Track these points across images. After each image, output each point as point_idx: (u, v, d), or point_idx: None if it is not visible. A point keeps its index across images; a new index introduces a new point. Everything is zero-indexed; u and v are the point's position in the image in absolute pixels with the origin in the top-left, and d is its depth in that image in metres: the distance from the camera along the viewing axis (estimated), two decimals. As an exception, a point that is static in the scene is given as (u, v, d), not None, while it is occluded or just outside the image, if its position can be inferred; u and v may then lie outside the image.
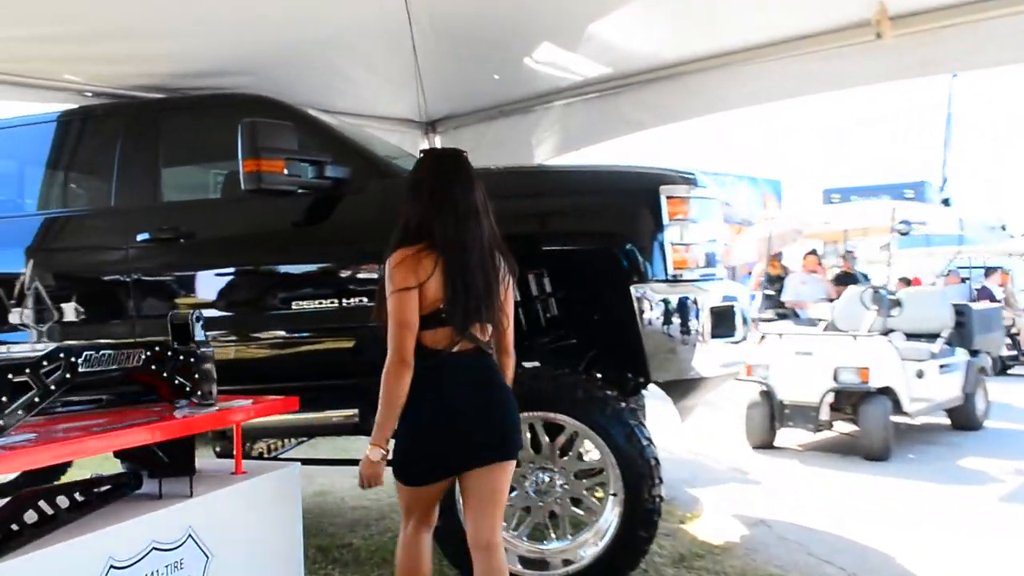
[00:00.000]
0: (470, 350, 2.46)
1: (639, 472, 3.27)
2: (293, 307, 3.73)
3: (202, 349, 2.29)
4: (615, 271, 3.48)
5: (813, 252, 10.62)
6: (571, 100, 5.64)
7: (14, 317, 4.01)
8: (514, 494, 3.55)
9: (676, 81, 4.95)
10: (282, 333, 3.79)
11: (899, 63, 4.23)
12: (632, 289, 3.43)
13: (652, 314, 3.41)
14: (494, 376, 2.50)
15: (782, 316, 9.11)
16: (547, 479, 3.49)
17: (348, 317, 3.69)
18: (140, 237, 3.89)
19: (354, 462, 4.10)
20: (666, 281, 3.47)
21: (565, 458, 3.49)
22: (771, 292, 9.68)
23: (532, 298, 3.89)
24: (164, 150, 4.10)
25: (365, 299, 3.65)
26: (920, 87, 20.96)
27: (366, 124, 6.38)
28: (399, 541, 2.57)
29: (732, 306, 3.61)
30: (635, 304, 3.42)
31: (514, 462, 2.54)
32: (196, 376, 2.29)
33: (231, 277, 3.90)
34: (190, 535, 2.04)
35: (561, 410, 3.35)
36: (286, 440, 4.59)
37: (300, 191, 3.60)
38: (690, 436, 7.06)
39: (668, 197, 3.49)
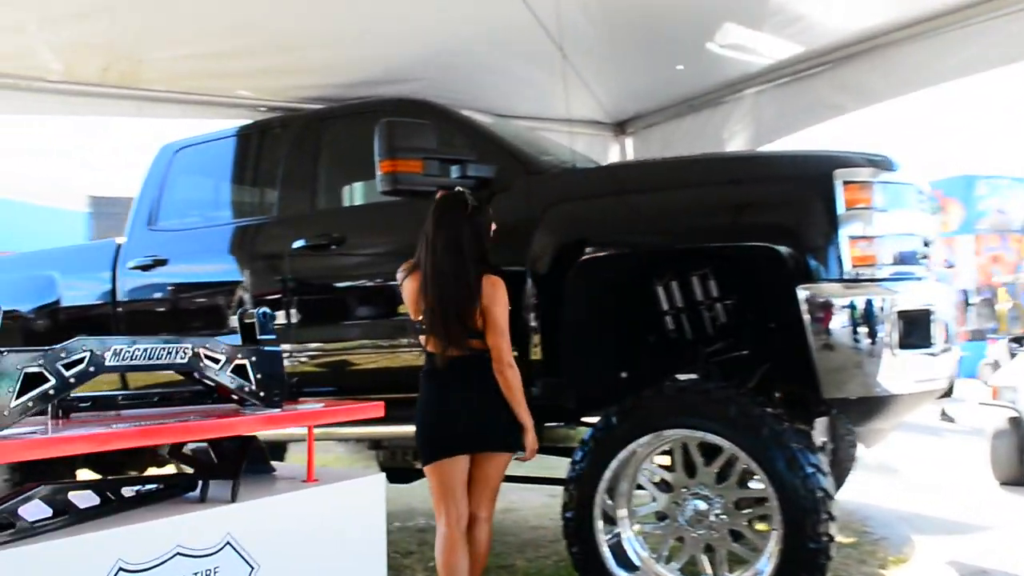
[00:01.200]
0: (462, 355, 2.92)
1: (801, 505, 2.75)
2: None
3: (266, 348, 2.20)
4: (781, 271, 2.99)
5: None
6: (762, 87, 5.11)
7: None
8: (665, 522, 3.17)
9: (877, 55, 4.27)
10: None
11: None
12: (798, 291, 2.93)
13: (822, 320, 2.88)
14: (482, 379, 2.92)
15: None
16: (702, 507, 3.07)
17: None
18: (296, 245, 3.97)
19: (548, 480, 3.97)
20: (842, 281, 2.92)
21: (723, 484, 3.04)
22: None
23: (696, 303, 3.47)
24: (323, 159, 4.17)
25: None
26: None
27: (553, 129, 6.23)
28: (437, 542, 2.95)
29: (928, 312, 2.97)
30: (801, 308, 2.92)
31: (503, 454, 3.01)
32: (258, 377, 2.20)
33: (377, 282, 3.87)
34: (228, 543, 1.93)
35: (710, 429, 2.92)
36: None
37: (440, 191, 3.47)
38: (927, 466, 6.16)
39: (845, 183, 2.94)
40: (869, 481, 5.71)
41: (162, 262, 4.49)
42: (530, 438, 3.00)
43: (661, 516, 3.22)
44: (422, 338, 3.00)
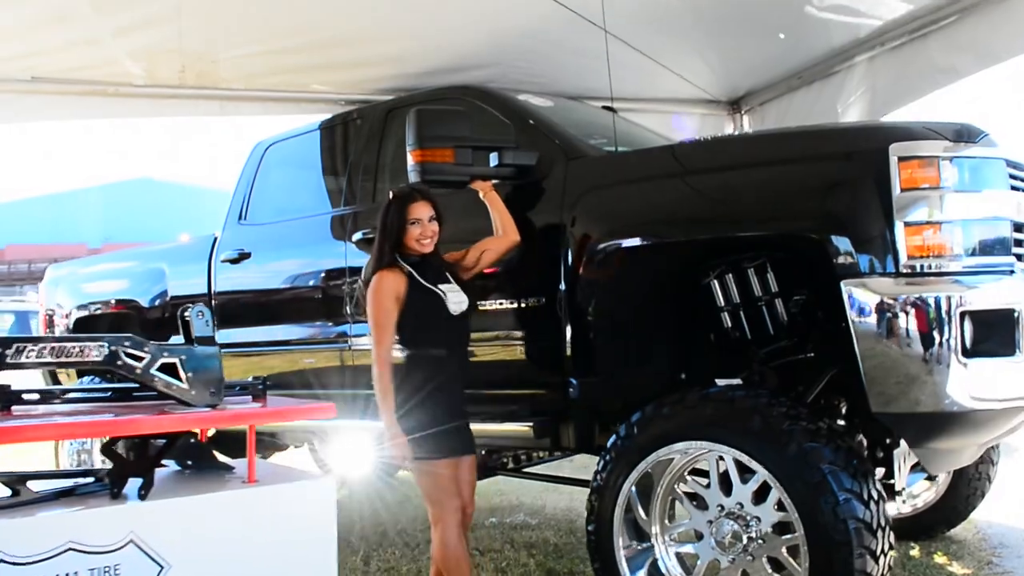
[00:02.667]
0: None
1: (828, 536, 2.37)
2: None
3: (200, 347, 2.14)
4: (826, 264, 2.60)
5: None
6: (874, 52, 4.53)
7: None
8: (700, 542, 2.85)
9: (997, 8, 3.63)
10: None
11: None
12: (842, 287, 2.52)
13: (868, 321, 2.47)
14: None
15: None
16: (737, 529, 2.73)
17: (521, 319, 3.32)
18: (356, 237, 3.96)
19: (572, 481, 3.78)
20: (897, 275, 2.48)
21: (761, 505, 2.69)
22: None
23: (754, 299, 3.10)
24: (386, 150, 4.12)
25: (541, 298, 3.26)
26: None
27: (659, 110, 5.90)
28: (435, 548, 2.97)
29: (1011, 312, 2.46)
30: (847, 307, 2.51)
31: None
32: (189, 375, 2.15)
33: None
34: (132, 541, 1.88)
35: (731, 442, 2.58)
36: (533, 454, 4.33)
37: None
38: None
39: (902, 159, 2.49)
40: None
41: (246, 255, 4.65)
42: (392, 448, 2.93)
43: (699, 535, 2.91)
44: None
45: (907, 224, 2.48)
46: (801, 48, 4.83)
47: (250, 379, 2.44)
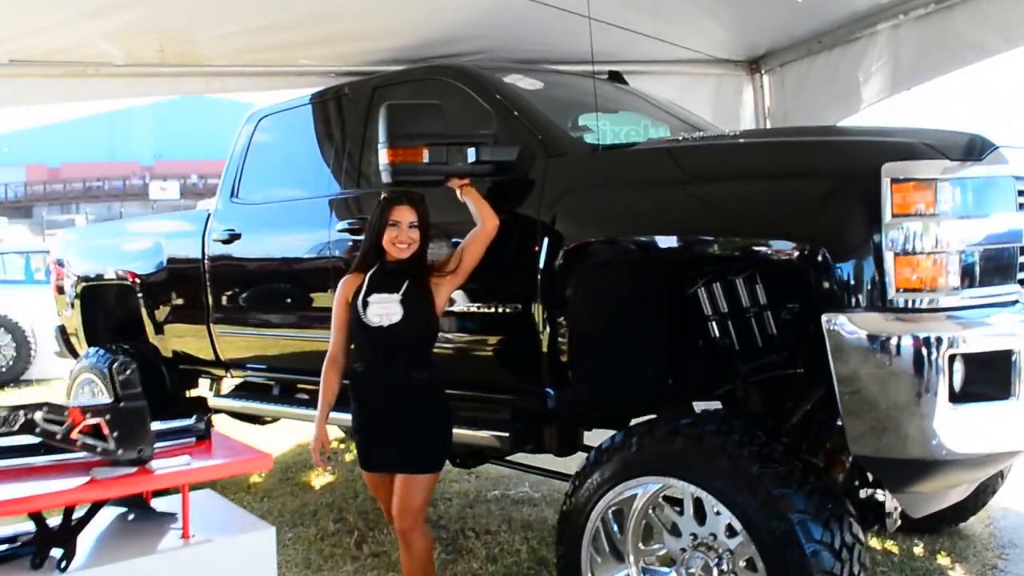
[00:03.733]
0: None
1: (792, 595, 2.23)
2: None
3: (127, 403, 2.03)
4: (808, 292, 2.40)
5: None
6: (897, 21, 4.19)
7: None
8: (668, 572, 2.73)
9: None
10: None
11: None
12: (823, 319, 2.33)
13: (849, 358, 2.28)
14: None
15: None
16: (708, 563, 2.60)
17: (498, 326, 3.18)
18: (338, 227, 3.82)
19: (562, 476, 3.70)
20: (883, 310, 2.28)
21: (735, 540, 2.55)
22: None
23: (742, 309, 2.91)
24: (374, 129, 3.93)
25: (517, 304, 3.10)
26: None
27: (677, 71, 5.59)
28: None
29: (1008, 353, 2.25)
30: (826, 340, 2.32)
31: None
32: (116, 435, 2.05)
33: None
34: None
35: (697, 482, 2.43)
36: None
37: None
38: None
39: (895, 181, 2.27)
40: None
41: (237, 236, 4.54)
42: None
43: (672, 561, 2.80)
44: None
45: (897, 254, 2.26)
46: (822, 10, 4.49)
47: (191, 420, 2.34)
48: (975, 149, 2.34)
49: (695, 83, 5.65)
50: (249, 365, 4.67)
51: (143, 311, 5.21)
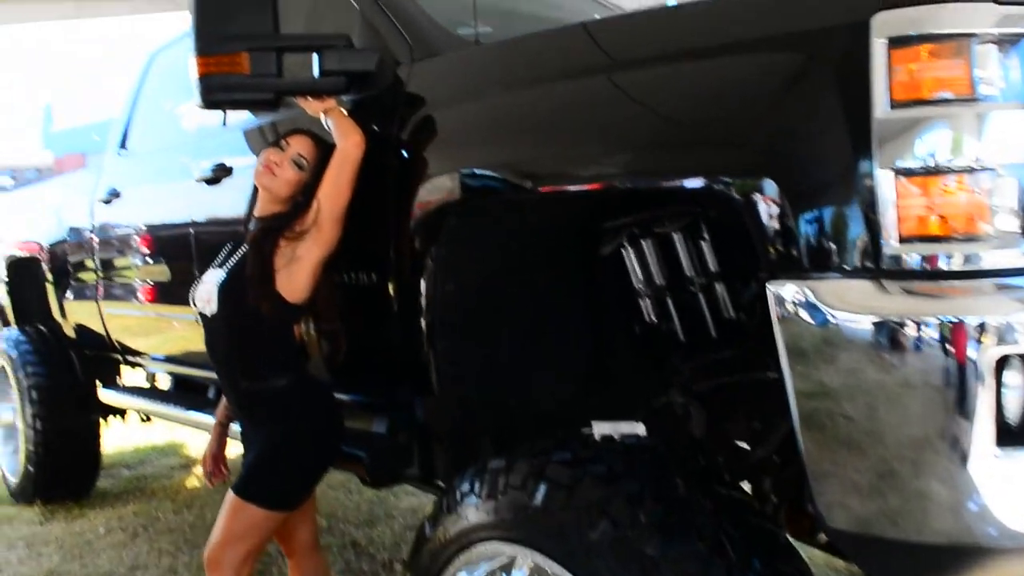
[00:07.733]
0: None
1: None
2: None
3: None
4: (753, 248, 1.40)
5: None
6: None
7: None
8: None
9: None
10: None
11: None
12: (770, 292, 1.33)
13: (812, 358, 1.28)
14: None
15: None
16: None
17: (352, 304, 2.25)
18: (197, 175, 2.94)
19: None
20: (876, 274, 1.26)
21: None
22: None
23: (686, 280, 1.91)
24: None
25: (371, 273, 2.17)
26: None
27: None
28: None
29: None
30: (775, 330, 1.33)
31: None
32: None
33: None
34: None
35: (559, 560, 1.46)
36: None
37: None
38: None
39: (895, 41, 1.24)
40: None
41: (117, 195, 3.74)
42: None
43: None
44: None
45: (901, 172, 1.24)
46: None
47: None
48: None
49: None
50: (143, 352, 3.86)
51: (48, 287, 4.52)
